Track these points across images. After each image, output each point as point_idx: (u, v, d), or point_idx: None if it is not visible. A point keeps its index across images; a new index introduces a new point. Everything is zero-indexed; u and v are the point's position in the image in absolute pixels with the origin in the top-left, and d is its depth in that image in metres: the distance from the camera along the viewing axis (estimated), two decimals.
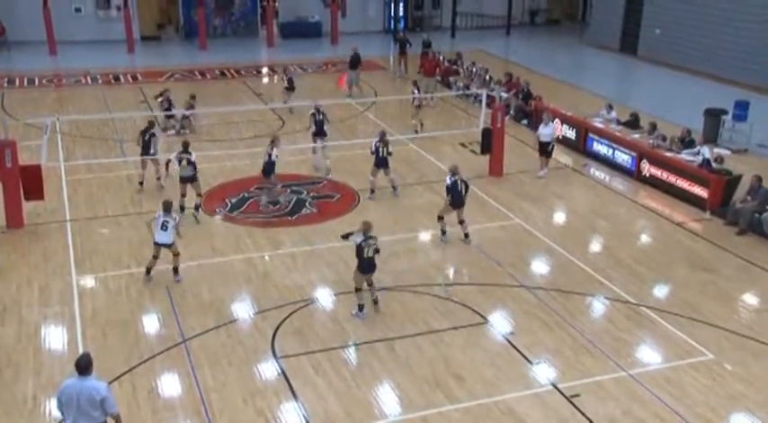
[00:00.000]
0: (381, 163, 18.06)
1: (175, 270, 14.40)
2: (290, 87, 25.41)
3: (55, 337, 12.68)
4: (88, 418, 8.80)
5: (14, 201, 16.48)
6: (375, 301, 13.38)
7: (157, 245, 14.23)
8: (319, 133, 20.06)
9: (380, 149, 17.95)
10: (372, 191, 18.32)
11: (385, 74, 31.95)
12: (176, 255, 14.35)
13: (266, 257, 15.48)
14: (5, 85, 29.22)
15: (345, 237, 13.43)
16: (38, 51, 34.27)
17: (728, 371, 11.93)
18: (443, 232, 16.04)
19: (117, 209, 17.74)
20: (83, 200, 18.19)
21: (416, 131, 22.61)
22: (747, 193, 17.29)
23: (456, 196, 15.71)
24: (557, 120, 22.89)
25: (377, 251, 13.09)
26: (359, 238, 12.99)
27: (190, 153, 17.06)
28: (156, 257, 14.29)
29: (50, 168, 18.00)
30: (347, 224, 16.80)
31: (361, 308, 13.19)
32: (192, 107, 22.79)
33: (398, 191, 18.55)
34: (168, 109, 22.59)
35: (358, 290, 13.21)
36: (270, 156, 17.58)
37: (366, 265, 13.11)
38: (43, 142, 17.98)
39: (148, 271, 14.34)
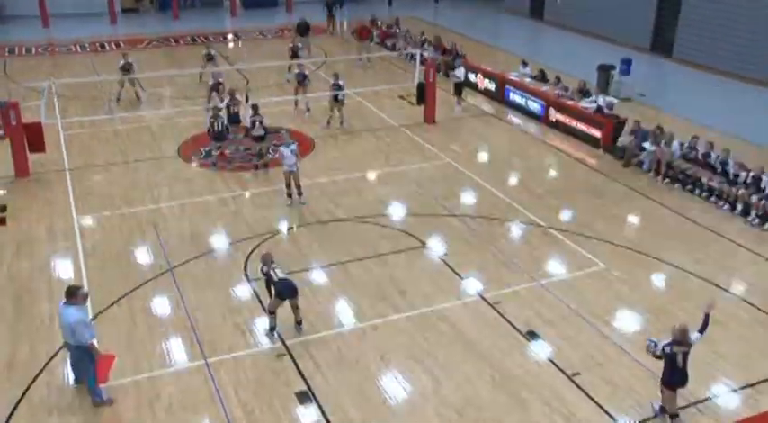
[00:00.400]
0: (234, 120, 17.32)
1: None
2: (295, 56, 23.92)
3: (63, 268, 12.43)
4: (66, 338, 9.01)
5: (21, 153, 15.99)
6: (299, 323, 10.68)
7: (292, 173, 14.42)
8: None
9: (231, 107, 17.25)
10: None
11: (332, 37, 31.26)
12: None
13: (246, 195, 15.22)
14: (6, 54, 27.87)
15: (268, 289, 10.60)
16: (32, 24, 32.67)
17: (615, 276, 12.25)
18: (664, 410, 9.03)
19: (108, 158, 17.22)
20: (78, 151, 17.61)
21: (328, 122, 19.46)
22: (630, 133, 17.54)
23: (677, 373, 8.68)
24: (479, 74, 22.78)
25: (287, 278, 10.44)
26: (264, 269, 10.50)
27: (260, 115, 16.53)
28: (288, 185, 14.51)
29: (49, 125, 17.32)
30: (307, 166, 16.60)
31: (273, 329, 10.59)
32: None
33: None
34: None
35: (271, 313, 10.54)
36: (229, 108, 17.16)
37: (283, 289, 10.31)
38: (42, 103, 17.42)
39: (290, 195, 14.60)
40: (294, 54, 23.67)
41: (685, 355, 8.59)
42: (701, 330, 8.68)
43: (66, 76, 24.10)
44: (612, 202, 15.24)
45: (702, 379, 9.74)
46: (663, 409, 9.01)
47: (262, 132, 16.55)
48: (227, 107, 17.38)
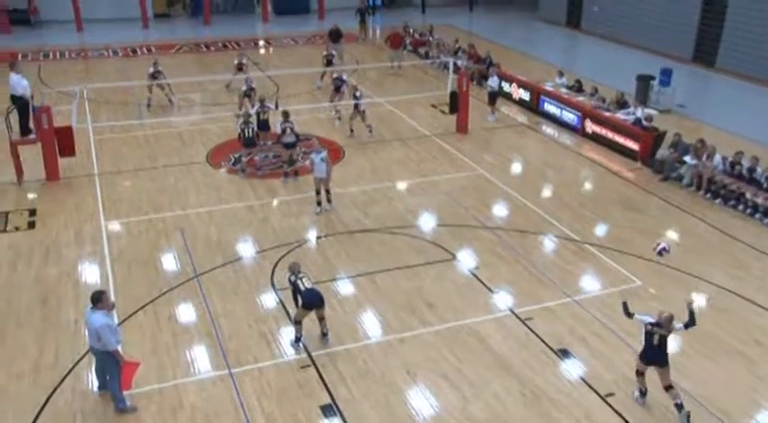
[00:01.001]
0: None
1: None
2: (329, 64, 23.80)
3: (89, 273, 12.60)
4: (93, 344, 9.08)
5: (51, 157, 16.28)
6: (324, 334, 10.67)
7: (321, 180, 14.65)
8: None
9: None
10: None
11: (364, 44, 31.40)
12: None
13: (274, 202, 15.31)
14: (41, 58, 28.50)
15: (295, 299, 10.60)
16: (67, 29, 33.38)
17: (652, 294, 12.04)
18: (642, 393, 9.64)
19: (136, 164, 17.46)
20: (108, 156, 17.88)
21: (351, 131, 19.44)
22: (670, 146, 17.28)
23: (648, 348, 9.32)
24: (514, 83, 22.69)
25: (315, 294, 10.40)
26: (291, 278, 10.51)
27: (291, 122, 16.59)
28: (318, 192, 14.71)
29: (80, 129, 17.66)
30: (336, 174, 16.64)
31: (298, 339, 10.57)
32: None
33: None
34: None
35: (297, 323, 10.53)
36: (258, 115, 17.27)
37: (310, 298, 10.29)
38: (73, 107, 17.76)
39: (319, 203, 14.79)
40: (329, 62, 23.85)
41: (662, 337, 9.17)
42: (687, 325, 9.16)
43: (98, 80, 24.53)
44: (650, 217, 15.02)
45: (744, 403, 9.51)
46: (642, 393, 9.57)
47: (293, 139, 16.63)
48: (257, 114, 17.52)
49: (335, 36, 26.82)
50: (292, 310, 10.95)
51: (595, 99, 20.14)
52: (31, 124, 16.25)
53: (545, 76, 23.61)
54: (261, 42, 32.81)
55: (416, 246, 13.62)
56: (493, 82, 21.05)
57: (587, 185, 16.99)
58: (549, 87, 21.76)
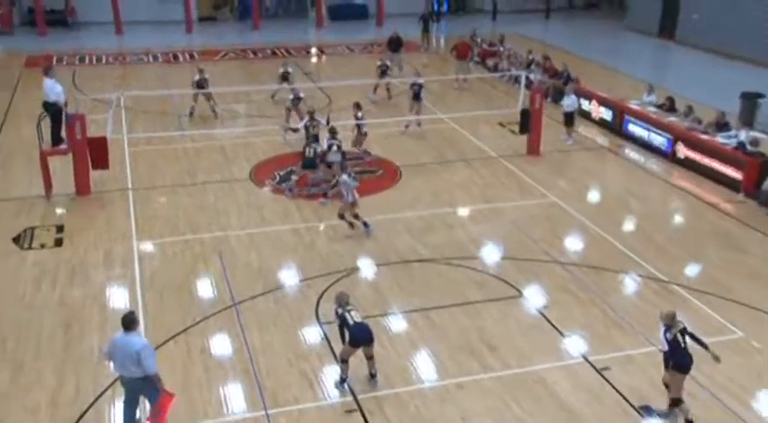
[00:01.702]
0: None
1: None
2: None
3: (118, 298, 12.90)
4: (128, 371, 9.17)
5: (83, 170, 16.81)
6: (372, 375, 10.68)
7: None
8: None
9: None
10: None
11: (426, 54, 31.66)
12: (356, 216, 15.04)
13: (321, 227, 15.49)
14: (77, 62, 29.64)
15: (342, 334, 10.59)
16: (105, 31, 34.67)
17: (756, 348, 11.68)
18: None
19: (174, 179, 17.91)
20: (143, 170, 18.40)
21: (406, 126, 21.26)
22: None
23: (680, 357, 9.81)
24: (594, 101, 22.55)
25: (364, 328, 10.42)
26: (339, 310, 10.54)
27: (338, 139, 16.90)
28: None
29: (114, 140, 18.23)
30: (391, 198, 16.84)
31: (343, 381, 10.61)
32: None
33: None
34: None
35: (343, 361, 10.57)
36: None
37: (358, 333, 10.34)
38: (109, 116, 18.30)
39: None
40: (383, 72, 24.13)
41: (683, 333, 9.80)
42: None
43: (136, 87, 25.38)
44: (754, 257, 14.63)
45: None
46: (675, 402, 9.89)
47: (338, 158, 16.82)
48: (306, 128, 17.79)
49: (395, 45, 27.17)
50: (338, 347, 10.99)
51: (690, 119, 19.84)
52: (63, 133, 16.85)
53: (631, 92, 23.41)
54: (313, 50, 33.43)
55: (478, 280, 13.57)
56: (569, 101, 20.87)
57: (677, 218, 16.69)
58: (635, 106, 21.55)
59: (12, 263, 14.01)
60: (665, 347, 9.83)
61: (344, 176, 15.00)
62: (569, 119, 20.82)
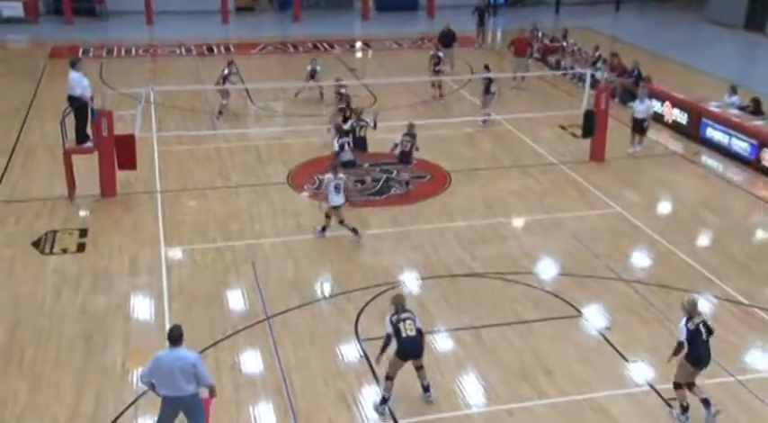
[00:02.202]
0: (403, 159, 17.63)
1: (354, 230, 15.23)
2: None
3: (143, 308, 13.19)
4: (179, 389, 9.18)
5: (109, 170, 17.16)
6: (426, 388, 10.84)
7: (336, 208, 15.06)
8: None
9: (404, 144, 17.41)
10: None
11: (481, 50, 31.69)
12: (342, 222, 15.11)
13: (362, 235, 15.55)
14: (104, 54, 30.32)
15: (385, 344, 10.59)
16: (135, 21, 35.38)
17: None
18: (684, 409, 10.62)
19: (205, 181, 18.22)
20: (173, 171, 18.75)
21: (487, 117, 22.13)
22: None
23: (698, 349, 10.40)
24: (667, 102, 22.33)
25: (420, 332, 10.55)
26: (393, 318, 10.52)
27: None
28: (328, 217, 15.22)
29: (143, 138, 18.56)
30: (439, 206, 16.91)
31: (384, 400, 10.67)
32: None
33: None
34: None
35: (389, 378, 10.62)
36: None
37: (408, 348, 10.47)
38: (137, 112, 18.66)
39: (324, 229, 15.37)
40: (435, 65, 24.30)
41: (705, 325, 10.31)
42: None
43: (168, 82, 25.87)
44: None
45: None
46: (675, 385, 10.54)
47: (351, 157, 17.06)
48: (353, 129, 17.95)
49: (447, 39, 27.24)
50: (377, 368, 11.10)
51: None
52: (89, 130, 17.22)
53: (710, 93, 23.15)
54: (358, 44, 33.69)
55: (533, 297, 13.56)
56: (643, 107, 20.05)
57: (761, 233, 16.48)
58: (714, 108, 21.33)
59: (31, 268, 14.38)
60: (683, 337, 10.24)
61: (329, 175, 15.09)
62: (640, 127, 20.16)
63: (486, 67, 22.82)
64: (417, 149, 17.55)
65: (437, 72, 24.51)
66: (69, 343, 12.17)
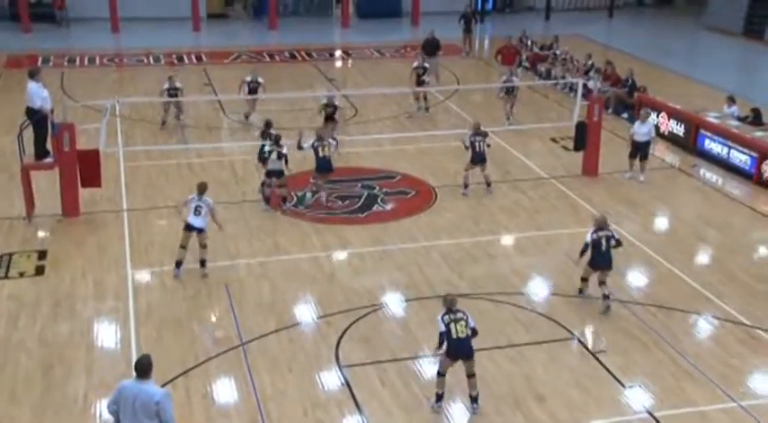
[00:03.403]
0: (479, 159, 18.16)
1: (202, 263, 14.75)
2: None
3: (108, 335, 13.09)
4: None
5: (71, 187, 17.04)
6: (474, 399, 11.24)
7: (189, 229, 14.55)
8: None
9: (477, 144, 18.00)
10: (466, 185, 18.43)
11: (468, 59, 31.92)
12: (204, 246, 14.67)
13: (342, 255, 15.65)
14: (65, 64, 30.24)
15: (441, 340, 11.05)
16: (99, 28, 35.32)
17: None
18: (581, 291, 14.24)
19: (176, 198, 18.09)
20: (141, 188, 18.72)
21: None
22: None
23: (598, 256, 13.63)
24: (663, 113, 22.52)
25: (474, 331, 11.09)
26: (445, 318, 11.00)
27: (281, 146, 17.32)
28: (184, 247, 14.64)
29: (108, 154, 18.53)
30: (424, 223, 16.94)
31: (439, 397, 11.23)
32: None
33: (492, 188, 18.49)
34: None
35: (440, 375, 11.23)
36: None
37: (459, 348, 10.99)
38: (102, 126, 18.52)
39: (178, 264, 14.69)
40: (419, 79, 24.24)
41: (608, 239, 13.46)
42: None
43: (135, 94, 25.86)
44: None
45: None
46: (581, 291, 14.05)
47: (277, 166, 17.21)
48: (314, 149, 17.87)
49: (431, 47, 27.36)
50: (361, 394, 11.17)
51: None
52: (49, 145, 17.10)
53: (708, 103, 23.41)
54: (337, 53, 33.80)
55: (524, 319, 13.60)
56: (644, 129, 19.33)
57: (764, 251, 16.64)
58: (712, 119, 21.54)
59: None
60: (587, 240, 13.45)
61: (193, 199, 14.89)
62: (642, 152, 19.38)
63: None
64: (489, 146, 18.31)
65: (421, 83, 24.45)
66: (26, 375, 11.99)
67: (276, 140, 17.42)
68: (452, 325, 10.87)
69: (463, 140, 18.25)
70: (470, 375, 11.08)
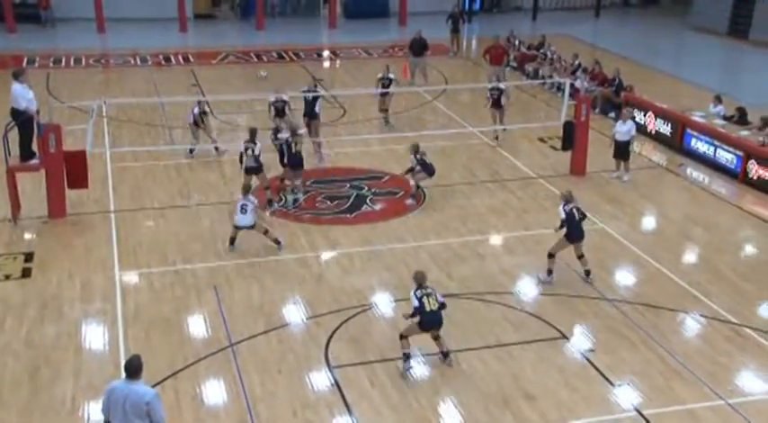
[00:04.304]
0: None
1: (276, 241, 15.62)
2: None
3: (96, 337, 13.04)
4: None
5: (58, 189, 16.96)
6: (445, 355, 12.18)
7: (237, 228, 15.38)
8: None
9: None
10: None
11: (456, 59, 31.93)
12: (265, 232, 15.51)
13: (332, 255, 15.64)
14: (51, 64, 30.10)
15: (413, 314, 11.91)
16: (85, 29, 35.18)
17: None
18: (549, 273, 14.82)
19: (164, 200, 18.12)
20: (128, 190, 18.64)
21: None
22: None
23: (573, 229, 14.41)
24: (650, 113, 22.60)
25: (442, 305, 11.92)
26: (417, 293, 11.84)
27: (255, 143, 17.34)
28: (233, 240, 15.53)
29: (95, 155, 18.46)
30: (412, 223, 16.96)
31: (407, 357, 12.02)
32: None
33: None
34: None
35: (404, 337, 12.02)
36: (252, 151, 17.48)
37: (432, 321, 11.87)
38: (88, 127, 18.45)
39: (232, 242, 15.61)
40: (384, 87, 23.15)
41: (578, 210, 14.32)
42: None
43: (121, 94, 25.76)
44: None
45: None
46: (550, 272, 14.57)
47: (254, 164, 17.32)
48: (288, 144, 18.00)
49: (418, 47, 27.38)
50: (350, 394, 11.19)
51: (766, 134, 19.85)
52: (35, 146, 17.01)
53: (694, 102, 23.48)
54: (325, 53, 33.78)
55: (513, 318, 13.62)
56: (625, 128, 19.40)
57: (750, 249, 16.69)
58: (698, 118, 21.62)
59: None
60: (563, 216, 14.19)
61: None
62: (624, 151, 19.53)
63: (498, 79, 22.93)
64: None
65: (385, 94, 22.96)
66: (13, 378, 11.94)
67: (252, 136, 17.47)
68: (425, 299, 11.73)
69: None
70: (437, 337, 12.03)
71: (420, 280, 11.97)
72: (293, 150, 17.80)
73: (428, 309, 11.70)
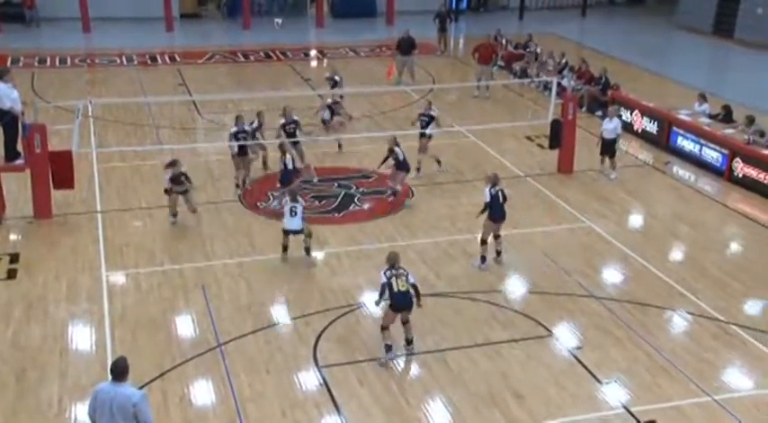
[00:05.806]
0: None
1: (307, 251, 15.23)
2: None
3: (82, 338, 13.00)
4: None
5: (43, 189, 16.90)
6: (409, 342, 12.47)
7: (287, 232, 15.08)
8: None
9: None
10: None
11: (443, 58, 31.96)
12: (309, 236, 15.25)
13: (321, 254, 15.58)
14: (35, 64, 29.98)
15: (382, 292, 12.26)
16: (70, 28, 35.05)
17: None
18: (483, 260, 15.24)
19: (151, 201, 18.06)
20: (115, 190, 18.59)
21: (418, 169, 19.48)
22: None
23: (496, 210, 15.01)
24: (636, 111, 22.68)
25: (415, 288, 12.24)
26: (387, 273, 12.16)
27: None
28: (286, 247, 15.21)
29: (81, 155, 18.41)
30: (400, 222, 16.98)
31: (389, 348, 12.26)
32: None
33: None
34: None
35: (384, 328, 12.31)
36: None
37: (401, 301, 12.14)
38: (74, 127, 18.35)
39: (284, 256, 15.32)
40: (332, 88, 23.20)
41: (502, 192, 14.93)
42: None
43: (107, 94, 25.68)
44: None
45: None
46: (483, 259, 15.03)
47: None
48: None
49: (406, 46, 27.42)
50: (339, 393, 11.15)
51: (751, 132, 19.94)
52: (20, 146, 16.93)
53: (680, 101, 23.57)
54: (312, 52, 33.76)
55: (501, 317, 13.65)
56: (611, 125, 19.57)
57: (736, 247, 16.77)
58: (684, 116, 21.71)
59: None
60: (487, 199, 14.77)
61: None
62: (610, 149, 19.66)
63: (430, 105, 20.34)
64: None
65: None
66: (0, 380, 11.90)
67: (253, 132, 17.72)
68: (393, 279, 12.00)
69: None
70: (405, 322, 12.30)
71: (392, 261, 12.24)
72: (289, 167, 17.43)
73: (395, 289, 11.96)
